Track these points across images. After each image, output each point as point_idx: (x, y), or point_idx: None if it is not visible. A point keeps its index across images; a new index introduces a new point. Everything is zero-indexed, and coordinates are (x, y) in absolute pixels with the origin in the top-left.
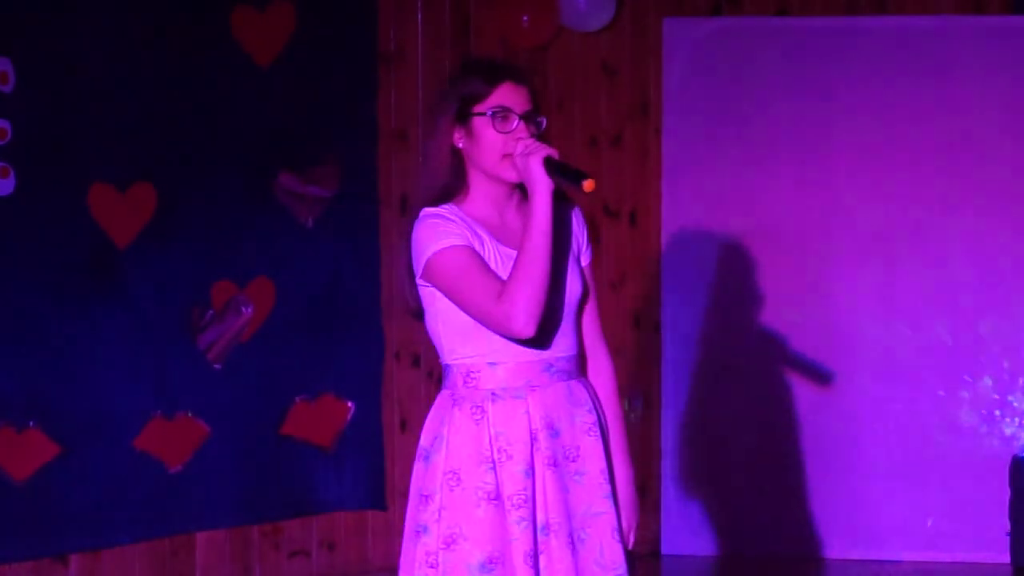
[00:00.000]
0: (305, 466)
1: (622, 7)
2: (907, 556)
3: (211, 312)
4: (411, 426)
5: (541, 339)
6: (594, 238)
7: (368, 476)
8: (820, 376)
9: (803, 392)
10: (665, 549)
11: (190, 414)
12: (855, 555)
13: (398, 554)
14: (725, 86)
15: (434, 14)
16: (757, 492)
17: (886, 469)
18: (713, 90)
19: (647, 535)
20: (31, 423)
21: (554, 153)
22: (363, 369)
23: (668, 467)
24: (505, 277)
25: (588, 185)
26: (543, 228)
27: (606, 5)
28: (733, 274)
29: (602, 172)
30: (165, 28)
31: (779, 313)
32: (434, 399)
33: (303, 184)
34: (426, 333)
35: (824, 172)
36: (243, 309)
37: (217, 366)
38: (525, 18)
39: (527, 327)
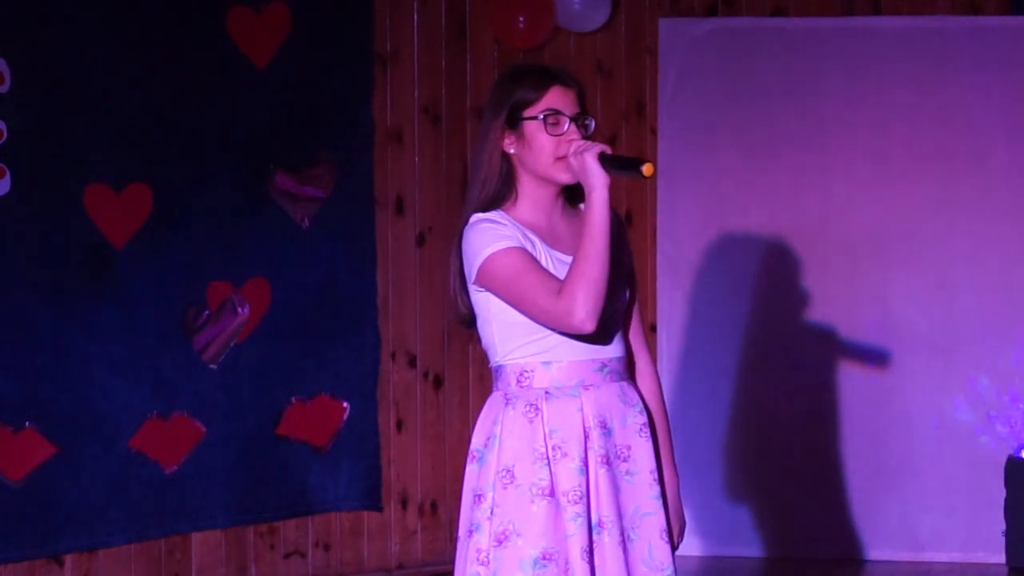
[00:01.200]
0: (301, 467)
1: (617, 8)
2: (903, 556)
3: (207, 312)
4: (407, 426)
5: (597, 338)
6: None
7: (364, 477)
8: (876, 355)
9: (798, 393)
10: None
11: (186, 414)
12: (851, 556)
13: (394, 555)
14: (721, 87)
15: (430, 15)
16: (751, 491)
17: (882, 469)
18: (709, 91)
19: None
20: (27, 423)
21: (607, 149)
22: (359, 369)
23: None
24: (558, 277)
25: (647, 169)
26: (603, 223)
27: (601, 6)
28: (729, 275)
29: None
30: (161, 28)
31: (775, 314)
32: (429, 399)
33: (299, 184)
34: (415, 333)
35: (820, 173)
36: (239, 309)
37: (213, 366)
38: (521, 19)
39: (588, 322)
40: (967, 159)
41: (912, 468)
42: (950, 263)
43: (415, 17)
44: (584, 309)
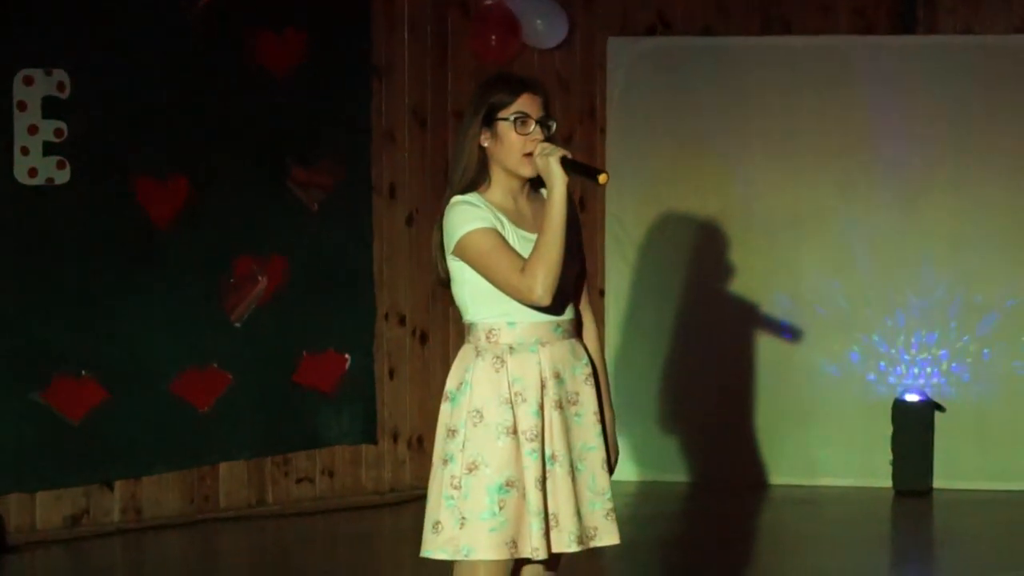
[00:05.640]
0: (310, 408)
1: (573, 29)
2: (808, 482)
3: (234, 281)
4: (398, 375)
5: (553, 305)
6: None
7: (362, 417)
8: (788, 329)
9: (721, 345)
10: None
11: (216, 365)
12: (766, 481)
13: (387, 480)
14: (659, 94)
15: (418, 35)
16: (680, 426)
17: (792, 410)
18: (649, 97)
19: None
20: (84, 373)
21: (568, 154)
22: (358, 328)
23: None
24: (521, 255)
25: (603, 178)
26: (560, 216)
27: (560, 27)
28: (664, 249)
29: None
30: (200, 46)
31: (702, 282)
32: (416, 352)
33: (310, 176)
34: (404, 298)
35: (743, 165)
36: (260, 278)
37: (237, 325)
38: (493, 38)
39: (545, 297)
40: (863, 155)
41: (817, 409)
42: (849, 239)
43: (406, 36)
44: (542, 287)
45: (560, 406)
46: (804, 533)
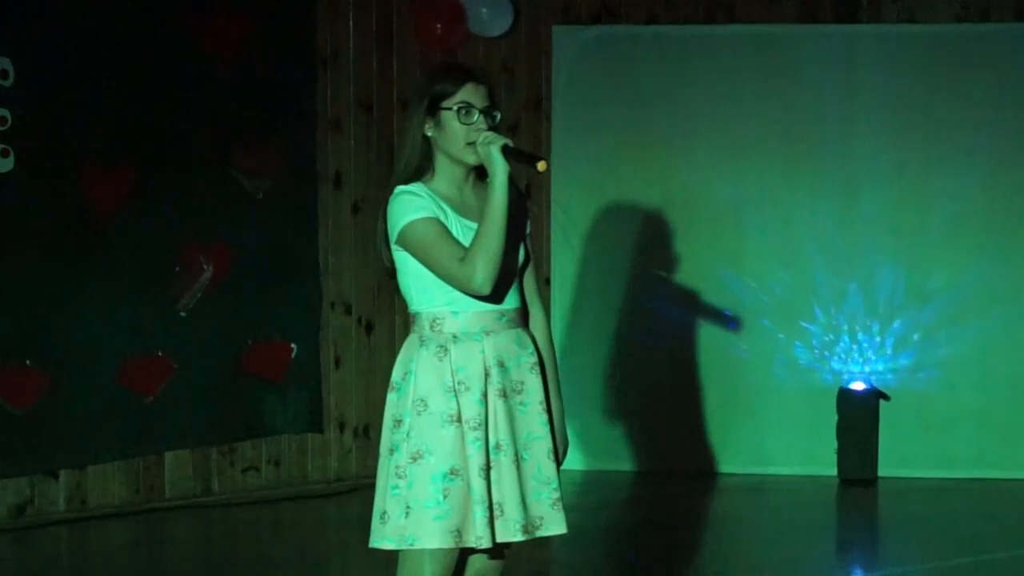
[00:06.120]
0: (256, 397)
1: (518, 17)
2: (754, 470)
3: (179, 269)
4: (344, 364)
5: (495, 294)
6: None
7: (308, 406)
8: (730, 320)
9: (667, 334)
10: None
11: (161, 354)
12: (713, 469)
13: (333, 469)
14: (604, 83)
15: (363, 22)
16: (626, 415)
17: (737, 399)
18: (594, 86)
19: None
20: (29, 362)
21: (509, 142)
22: (304, 316)
23: None
24: (465, 244)
25: (541, 165)
26: (501, 204)
27: (505, 15)
28: (609, 237)
29: None
30: (141, 32)
31: (645, 269)
32: (362, 341)
33: (255, 164)
34: (350, 287)
35: (687, 153)
36: (205, 267)
37: (183, 314)
38: (439, 26)
39: (485, 286)
40: (807, 143)
41: (761, 398)
42: (792, 226)
43: (351, 24)
44: (482, 275)
45: (504, 395)
46: (750, 521)
